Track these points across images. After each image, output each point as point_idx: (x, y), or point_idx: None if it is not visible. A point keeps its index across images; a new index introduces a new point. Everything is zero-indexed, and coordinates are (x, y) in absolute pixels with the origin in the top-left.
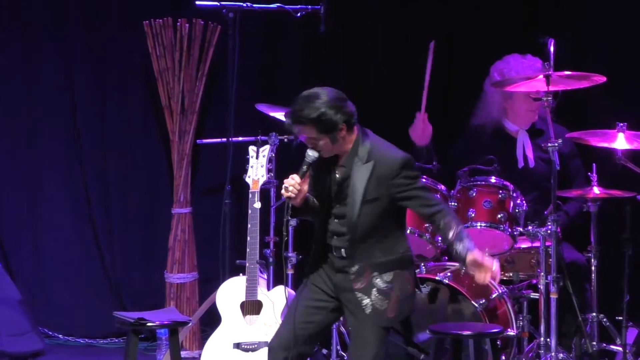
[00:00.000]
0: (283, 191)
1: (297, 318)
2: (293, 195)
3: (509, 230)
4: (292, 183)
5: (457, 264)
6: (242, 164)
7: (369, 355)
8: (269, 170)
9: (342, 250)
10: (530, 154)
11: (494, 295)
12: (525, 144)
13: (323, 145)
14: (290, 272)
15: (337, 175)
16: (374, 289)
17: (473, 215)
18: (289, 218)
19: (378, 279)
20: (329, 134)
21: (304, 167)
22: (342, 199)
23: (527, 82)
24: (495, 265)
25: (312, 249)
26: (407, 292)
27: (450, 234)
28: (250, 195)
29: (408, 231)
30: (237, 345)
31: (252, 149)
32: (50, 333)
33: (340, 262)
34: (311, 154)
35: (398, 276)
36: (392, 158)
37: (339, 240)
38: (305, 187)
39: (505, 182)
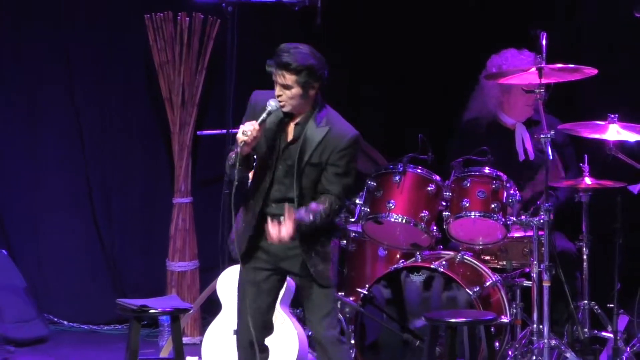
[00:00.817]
0: (240, 134)
1: (249, 304)
2: (249, 140)
3: (503, 219)
4: (250, 128)
5: (451, 253)
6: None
7: (325, 309)
8: None
9: (281, 217)
10: (529, 147)
11: (487, 283)
12: (524, 137)
13: (292, 95)
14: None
15: (290, 136)
16: (313, 252)
17: (467, 205)
18: (239, 167)
19: (318, 245)
20: (304, 87)
21: (264, 115)
22: (288, 158)
23: (521, 75)
24: (282, 230)
25: (242, 227)
26: (335, 259)
27: (314, 205)
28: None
29: (403, 220)
30: (237, 332)
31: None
32: (55, 319)
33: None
34: (274, 103)
35: (330, 240)
36: (345, 130)
37: (277, 208)
38: (259, 136)
39: (498, 173)
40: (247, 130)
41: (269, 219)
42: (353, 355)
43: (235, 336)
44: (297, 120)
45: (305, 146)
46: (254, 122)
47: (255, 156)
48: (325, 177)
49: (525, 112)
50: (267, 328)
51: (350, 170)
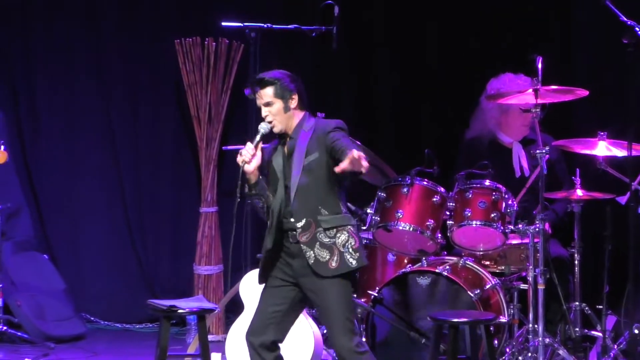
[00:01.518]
0: (238, 157)
1: (264, 307)
2: (247, 159)
3: (501, 228)
4: (246, 149)
5: (455, 258)
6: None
7: (341, 304)
8: None
9: (297, 230)
10: (525, 164)
11: (487, 286)
12: (520, 155)
13: (276, 111)
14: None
15: (286, 150)
16: (317, 243)
17: (469, 214)
18: (241, 190)
19: (322, 234)
20: (282, 99)
21: (257, 137)
22: (290, 170)
23: (518, 95)
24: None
25: (268, 245)
26: (352, 246)
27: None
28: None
29: (410, 228)
30: None
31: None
32: (92, 318)
33: (295, 247)
34: (264, 125)
35: (341, 231)
36: (329, 122)
37: (294, 222)
38: (259, 154)
39: (498, 185)
40: (244, 152)
41: (286, 233)
42: None
43: None
44: (290, 134)
45: (299, 147)
46: (249, 144)
47: (264, 177)
48: (334, 149)
49: (522, 131)
50: (265, 333)
51: (346, 137)
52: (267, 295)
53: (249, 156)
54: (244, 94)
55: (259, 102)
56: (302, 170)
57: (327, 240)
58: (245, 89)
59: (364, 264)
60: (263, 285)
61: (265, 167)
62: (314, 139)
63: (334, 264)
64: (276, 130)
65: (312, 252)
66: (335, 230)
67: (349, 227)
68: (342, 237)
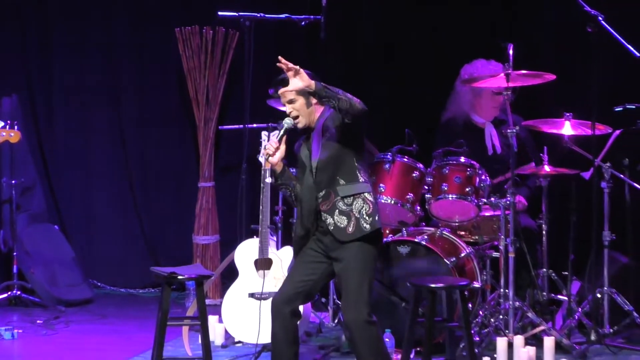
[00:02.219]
0: (262, 150)
1: (296, 277)
2: (270, 152)
3: (475, 201)
4: (270, 143)
5: (432, 229)
6: (256, 146)
7: (356, 270)
8: None
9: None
10: (497, 142)
11: (462, 255)
12: (492, 134)
13: (299, 107)
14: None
15: (310, 140)
16: (336, 210)
17: (446, 188)
18: (268, 181)
19: (340, 202)
20: (304, 96)
21: (281, 131)
22: (316, 158)
23: (491, 80)
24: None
25: (300, 232)
26: (367, 212)
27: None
28: (262, 172)
29: (391, 201)
30: (252, 295)
31: (264, 134)
32: (99, 284)
33: (326, 225)
34: (288, 121)
35: (356, 198)
36: None
37: (325, 203)
38: (283, 147)
39: (472, 162)
40: (268, 147)
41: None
42: None
43: (250, 298)
44: (313, 127)
45: (317, 130)
46: (273, 138)
47: (291, 169)
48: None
49: (493, 112)
50: (295, 301)
51: None
52: (300, 267)
53: (273, 149)
54: (242, 79)
55: (283, 100)
56: (320, 147)
57: (345, 207)
58: (270, 89)
59: (377, 227)
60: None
61: (295, 162)
62: (329, 120)
63: (350, 229)
64: (300, 125)
65: (332, 219)
66: (352, 198)
67: (365, 194)
68: (358, 204)
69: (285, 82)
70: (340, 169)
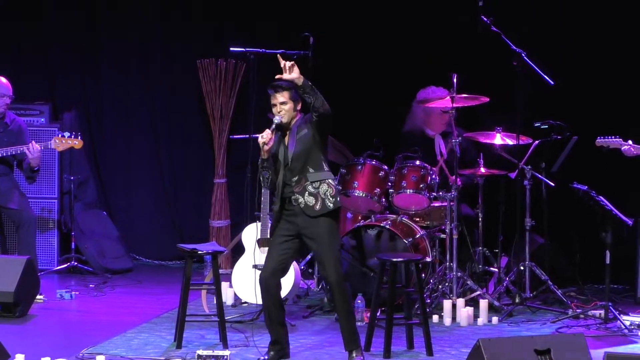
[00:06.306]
0: (259, 138)
1: (275, 256)
2: (266, 140)
3: (427, 194)
4: (265, 133)
5: (394, 216)
6: (258, 152)
7: (329, 241)
8: None
9: (292, 188)
10: (443, 150)
11: (417, 236)
12: (440, 144)
13: (287, 109)
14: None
15: (286, 140)
16: (306, 192)
17: (405, 185)
18: (264, 163)
19: (310, 186)
20: (294, 101)
21: (273, 126)
22: (288, 151)
23: (440, 101)
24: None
25: (276, 208)
26: (331, 194)
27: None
28: (259, 161)
29: (363, 195)
30: (255, 266)
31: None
32: (137, 257)
33: (296, 208)
34: (277, 118)
35: (322, 183)
36: None
37: (291, 191)
38: (274, 138)
39: (425, 164)
40: (264, 135)
41: (288, 198)
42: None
43: (253, 269)
44: (289, 128)
45: (292, 132)
46: (267, 130)
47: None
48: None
49: (441, 127)
50: (278, 275)
51: None
52: (276, 248)
53: (267, 138)
54: (248, 99)
55: (275, 100)
56: (295, 143)
57: (313, 190)
58: (269, 89)
59: (338, 205)
60: (272, 240)
61: (272, 154)
62: (302, 122)
63: (317, 207)
64: (284, 121)
65: (302, 199)
66: (319, 182)
67: (329, 180)
68: (324, 187)
69: (283, 87)
70: (310, 160)
